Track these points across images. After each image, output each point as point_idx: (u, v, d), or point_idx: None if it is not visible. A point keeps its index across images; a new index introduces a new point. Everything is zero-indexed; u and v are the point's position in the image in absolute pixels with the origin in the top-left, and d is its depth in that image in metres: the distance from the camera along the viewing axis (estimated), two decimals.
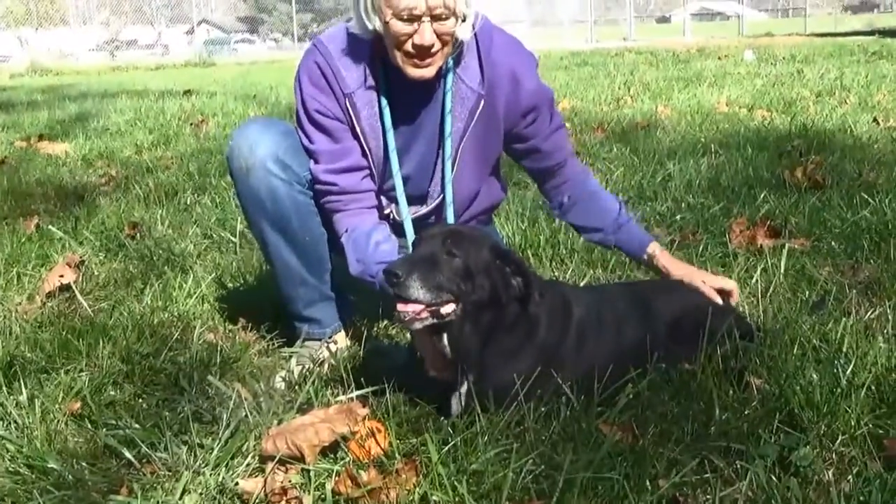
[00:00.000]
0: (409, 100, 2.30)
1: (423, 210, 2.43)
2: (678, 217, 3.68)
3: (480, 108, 2.28)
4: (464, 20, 2.14)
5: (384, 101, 2.28)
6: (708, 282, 2.39)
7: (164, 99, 10.25)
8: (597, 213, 2.50)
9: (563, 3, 29.75)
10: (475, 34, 2.24)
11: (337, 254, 2.43)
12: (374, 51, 2.25)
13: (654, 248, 2.48)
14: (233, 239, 3.71)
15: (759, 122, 6.18)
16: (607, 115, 6.90)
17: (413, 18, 2.08)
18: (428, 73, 2.19)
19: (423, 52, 2.14)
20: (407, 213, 2.36)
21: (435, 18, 2.09)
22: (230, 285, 3.18)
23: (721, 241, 3.29)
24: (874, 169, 4.35)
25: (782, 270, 2.88)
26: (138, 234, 3.92)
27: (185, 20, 30.42)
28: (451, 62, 2.25)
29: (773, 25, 24.97)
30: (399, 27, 2.10)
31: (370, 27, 2.15)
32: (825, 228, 3.39)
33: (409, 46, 2.13)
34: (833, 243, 3.20)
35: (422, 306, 1.93)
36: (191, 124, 7.82)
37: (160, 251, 3.60)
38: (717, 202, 3.86)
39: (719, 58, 13.36)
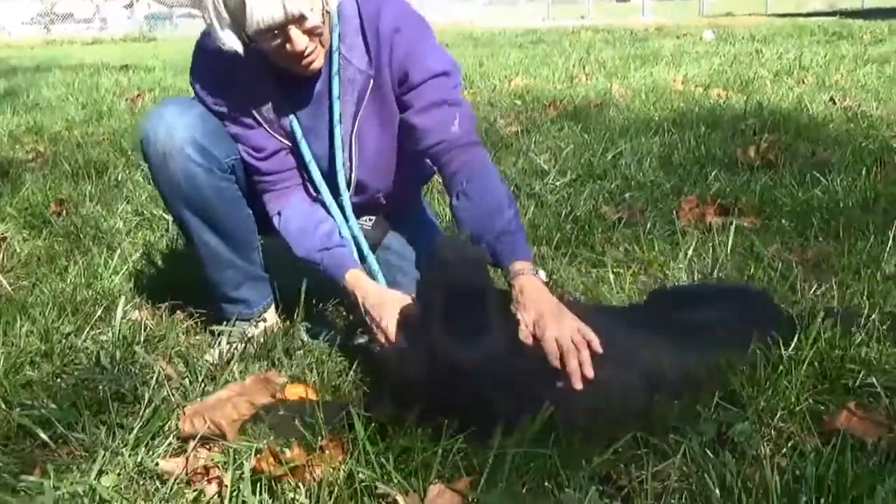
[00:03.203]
0: (306, 89, 2.20)
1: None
2: (627, 195, 3.64)
3: (370, 88, 2.17)
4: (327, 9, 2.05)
5: (281, 97, 2.19)
6: (561, 334, 1.82)
7: (100, 74, 9.97)
8: (483, 214, 2.09)
9: None
10: (359, 10, 2.14)
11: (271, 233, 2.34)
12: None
13: (521, 266, 2.01)
14: (165, 216, 3.59)
15: (714, 100, 6.16)
16: (560, 93, 6.83)
17: (276, 35, 1.97)
18: (316, 66, 2.09)
19: (299, 56, 2.03)
20: (332, 202, 2.27)
21: (296, 23, 1.96)
22: (159, 263, 3.07)
23: (670, 218, 3.26)
24: (828, 148, 4.36)
25: (729, 248, 2.86)
26: (65, 211, 3.78)
27: None
28: (335, 41, 2.14)
29: (734, 5, 24.99)
30: (266, 45, 1.99)
31: (229, 47, 2.01)
32: (776, 207, 3.38)
33: (284, 53, 2.02)
34: (783, 221, 3.18)
35: None
36: (126, 99, 7.61)
37: (87, 228, 3.48)
38: (667, 180, 3.84)
39: (678, 37, 13.32)
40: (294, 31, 1.97)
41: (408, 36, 2.16)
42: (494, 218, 2.07)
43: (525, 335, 1.85)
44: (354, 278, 2.16)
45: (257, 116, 2.20)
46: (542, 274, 2.04)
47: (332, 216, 2.28)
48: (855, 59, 8.50)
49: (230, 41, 1.99)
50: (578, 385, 1.74)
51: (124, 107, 7.25)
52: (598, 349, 1.80)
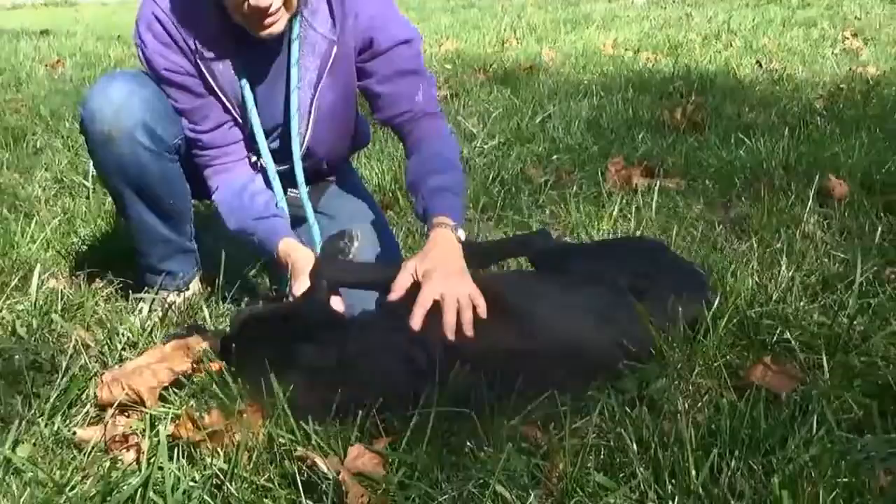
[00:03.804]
0: (263, 50, 2.09)
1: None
2: (555, 158, 3.66)
3: (333, 55, 2.10)
4: None
5: (236, 57, 2.08)
6: (446, 291, 1.75)
7: (19, 39, 9.64)
8: (427, 171, 2.09)
9: None
10: None
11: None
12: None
13: (443, 220, 1.96)
14: (86, 183, 3.51)
15: (643, 64, 6.22)
16: (490, 57, 6.82)
17: None
18: (275, 30, 1.97)
19: (261, 14, 1.92)
20: (274, 172, 2.22)
21: None
22: (79, 230, 2.99)
23: (596, 181, 3.28)
24: (753, 110, 4.44)
25: (654, 209, 2.89)
26: None
27: None
28: (296, 3, 2.04)
29: None
30: None
31: None
32: (701, 168, 3.43)
33: (245, 8, 1.90)
34: (707, 182, 3.23)
35: None
36: (45, 65, 7.37)
37: (4, 196, 3.38)
38: (595, 143, 3.86)
39: (609, 1, 13.32)
40: None
41: (373, 1, 2.11)
42: (435, 176, 2.05)
43: (400, 284, 1.81)
44: (287, 245, 2.12)
45: (208, 76, 2.09)
46: (461, 233, 1.98)
47: (271, 188, 2.23)
48: (783, 22, 8.62)
49: None
50: (451, 336, 1.69)
51: (44, 73, 7.02)
52: (483, 315, 1.75)
